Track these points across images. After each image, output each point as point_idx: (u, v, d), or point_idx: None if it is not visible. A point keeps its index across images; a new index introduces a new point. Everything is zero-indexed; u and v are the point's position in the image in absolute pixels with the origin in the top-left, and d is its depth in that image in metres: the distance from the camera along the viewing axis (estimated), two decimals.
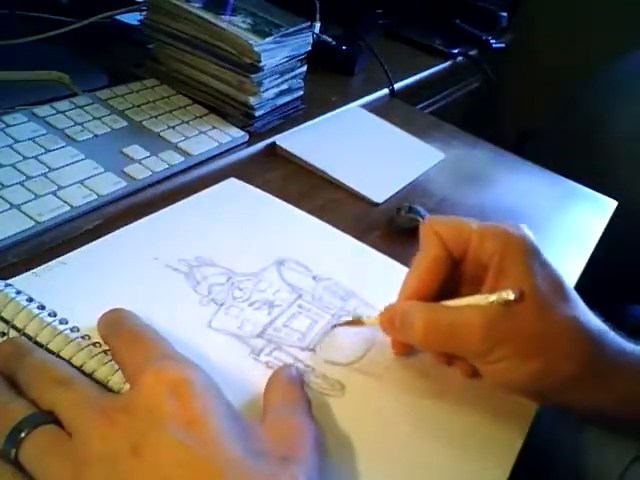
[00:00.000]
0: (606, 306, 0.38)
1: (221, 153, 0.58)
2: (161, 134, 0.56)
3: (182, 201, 0.49)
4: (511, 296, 0.34)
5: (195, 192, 0.51)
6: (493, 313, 0.34)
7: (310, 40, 0.66)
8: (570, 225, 0.65)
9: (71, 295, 0.38)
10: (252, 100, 0.61)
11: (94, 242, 0.43)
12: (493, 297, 0.34)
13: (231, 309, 0.40)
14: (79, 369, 0.32)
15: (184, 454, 0.26)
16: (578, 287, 0.54)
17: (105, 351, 0.33)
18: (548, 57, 1.43)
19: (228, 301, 0.41)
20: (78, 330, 0.34)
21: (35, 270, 0.39)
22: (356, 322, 0.41)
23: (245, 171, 0.56)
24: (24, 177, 0.46)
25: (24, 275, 0.38)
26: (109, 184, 0.48)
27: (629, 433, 0.41)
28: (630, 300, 0.88)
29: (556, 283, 0.36)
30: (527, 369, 0.34)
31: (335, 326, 0.42)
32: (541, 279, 0.35)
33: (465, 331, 0.35)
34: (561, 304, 0.35)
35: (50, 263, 0.40)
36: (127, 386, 0.31)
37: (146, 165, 0.51)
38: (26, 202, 0.44)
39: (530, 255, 0.36)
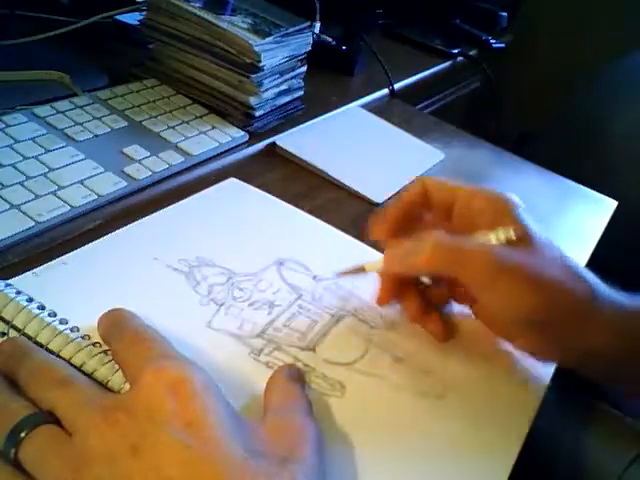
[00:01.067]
0: None
1: (221, 153, 0.58)
2: (161, 134, 0.56)
3: (182, 201, 0.49)
4: (512, 234, 0.36)
5: (195, 192, 0.51)
6: (502, 246, 0.36)
7: (310, 40, 0.66)
8: (570, 225, 0.65)
9: (71, 295, 0.38)
10: (252, 100, 0.61)
11: (94, 242, 0.43)
12: (500, 233, 0.37)
13: (231, 309, 0.40)
14: (79, 369, 0.32)
15: (184, 454, 0.26)
16: None
17: (105, 351, 0.33)
18: (548, 57, 1.43)
19: (228, 301, 0.41)
20: (78, 330, 0.34)
21: (35, 270, 0.39)
22: (359, 269, 0.42)
23: (245, 171, 0.56)
24: (24, 177, 0.46)
25: (24, 275, 0.38)
26: (109, 184, 0.48)
27: (623, 377, 0.41)
28: None
29: (549, 239, 0.38)
30: (527, 301, 0.36)
31: (339, 275, 0.43)
32: (538, 228, 0.38)
33: (475, 257, 0.36)
34: (558, 251, 0.38)
35: (50, 263, 0.40)
36: (127, 386, 0.31)
37: (146, 165, 0.51)
38: (26, 202, 0.44)
39: (522, 210, 0.38)
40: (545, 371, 0.43)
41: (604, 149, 1.13)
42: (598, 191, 0.72)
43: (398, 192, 0.47)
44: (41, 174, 0.47)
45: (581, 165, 0.90)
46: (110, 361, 0.32)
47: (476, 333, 0.45)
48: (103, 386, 0.32)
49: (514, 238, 0.36)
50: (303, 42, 0.65)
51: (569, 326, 0.37)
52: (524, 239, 0.37)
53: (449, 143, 0.74)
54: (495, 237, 0.37)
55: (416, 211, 0.42)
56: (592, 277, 0.38)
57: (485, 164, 0.74)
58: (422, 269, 0.39)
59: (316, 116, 0.69)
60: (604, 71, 1.21)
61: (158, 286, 0.41)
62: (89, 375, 0.32)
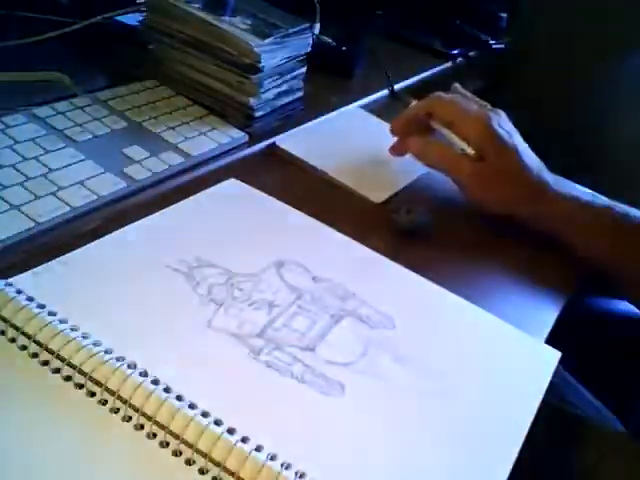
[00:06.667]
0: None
1: (221, 154, 0.58)
2: (161, 135, 0.56)
3: (182, 202, 0.50)
4: (472, 152, 0.57)
5: (195, 193, 0.51)
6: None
7: (310, 41, 0.66)
8: None
9: (71, 295, 0.38)
10: (252, 101, 0.61)
11: (94, 242, 0.43)
12: (466, 147, 0.57)
13: (231, 309, 0.41)
14: (79, 368, 0.32)
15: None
16: (580, 283, 0.55)
17: (105, 350, 0.33)
18: (548, 57, 1.42)
19: (228, 301, 0.41)
20: (78, 329, 0.34)
21: (35, 270, 0.39)
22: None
23: (245, 172, 0.56)
24: (24, 178, 0.46)
25: (24, 275, 0.38)
26: (109, 185, 0.48)
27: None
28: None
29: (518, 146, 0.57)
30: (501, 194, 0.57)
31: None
32: (510, 141, 0.57)
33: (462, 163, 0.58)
34: (521, 157, 0.57)
35: (50, 263, 0.40)
36: None
37: (146, 166, 0.52)
38: (26, 203, 0.44)
39: (498, 133, 0.57)
40: (544, 371, 0.43)
41: (604, 149, 1.13)
42: (598, 191, 0.72)
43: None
44: (41, 175, 0.47)
45: (581, 165, 0.90)
46: (109, 360, 0.32)
47: (476, 334, 0.45)
48: (103, 387, 0.32)
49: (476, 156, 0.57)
50: (303, 43, 0.65)
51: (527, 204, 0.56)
52: (490, 153, 0.56)
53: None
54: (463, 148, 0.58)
55: (422, 121, 0.62)
56: (548, 174, 0.57)
57: None
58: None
59: (316, 117, 0.69)
60: (604, 71, 1.21)
61: (158, 286, 0.41)
62: (89, 374, 0.32)
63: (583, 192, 0.57)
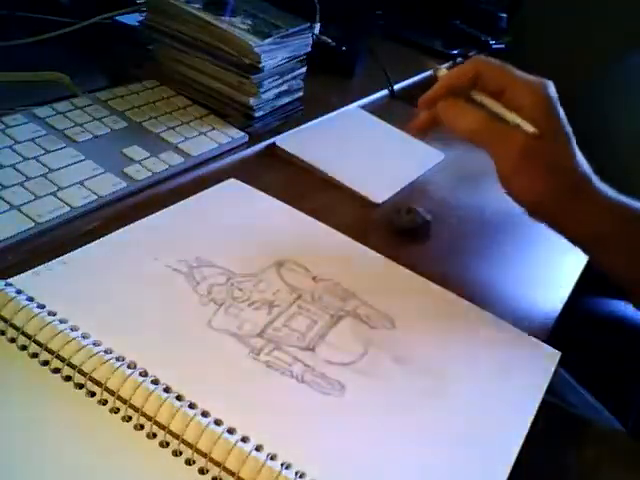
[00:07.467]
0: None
1: (221, 154, 0.58)
2: (161, 135, 0.56)
3: (182, 202, 0.50)
4: (532, 130, 0.45)
5: (195, 193, 0.51)
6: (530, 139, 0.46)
7: (310, 41, 0.66)
8: None
9: (71, 295, 0.38)
10: (252, 101, 0.61)
11: (94, 242, 0.43)
12: (523, 123, 0.45)
13: (231, 309, 0.40)
14: (79, 368, 0.32)
15: None
16: (579, 284, 0.55)
17: (105, 350, 0.33)
18: (548, 57, 1.42)
19: (228, 301, 0.41)
20: (78, 329, 0.34)
21: (35, 270, 0.39)
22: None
23: (245, 172, 0.56)
24: (24, 178, 0.46)
25: (24, 275, 0.38)
26: (109, 185, 0.48)
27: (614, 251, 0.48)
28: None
29: (568, 132, 0.48)
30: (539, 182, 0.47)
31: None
32: (560, 123, 0.47)
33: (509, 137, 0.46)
34: (571, 144, 0.48)
35: (50, 263, 0.40)
36: None
37: (146, 166, 0.52)
38: (26, 203, 0.44)
39: (555, 106, 0.47)
40: (544, 371, 0.43)
41: (604, 149, 1.13)
42: None
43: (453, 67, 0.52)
44: (41, 175, 0.47)
45: None
46: (110, 360, 0.32)
47: (476, 334, 0.45)
48: (103, 387, 0.32)
49: (531, 132, 0.45)
50: (303, 43, 0.65)
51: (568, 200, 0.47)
52: (548, 132, 0.45)
53: (449, 143, 0.74)
54: (519, 122, 0.45)
55: (463, 89, 0.48)
56: (590, 169, 0.48)
57: (485, 164, 0.73)
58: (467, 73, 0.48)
59: (316, 117, 0.70)
60: (604, 71, 1.21)
61: (158, 286, 0.41)
62: (88, 374, 0.32)
63: (615, 192, 0.50)
